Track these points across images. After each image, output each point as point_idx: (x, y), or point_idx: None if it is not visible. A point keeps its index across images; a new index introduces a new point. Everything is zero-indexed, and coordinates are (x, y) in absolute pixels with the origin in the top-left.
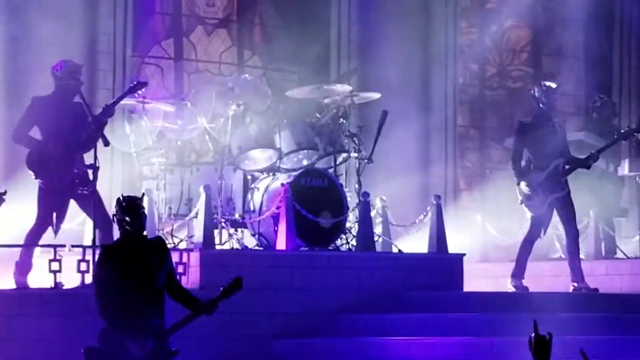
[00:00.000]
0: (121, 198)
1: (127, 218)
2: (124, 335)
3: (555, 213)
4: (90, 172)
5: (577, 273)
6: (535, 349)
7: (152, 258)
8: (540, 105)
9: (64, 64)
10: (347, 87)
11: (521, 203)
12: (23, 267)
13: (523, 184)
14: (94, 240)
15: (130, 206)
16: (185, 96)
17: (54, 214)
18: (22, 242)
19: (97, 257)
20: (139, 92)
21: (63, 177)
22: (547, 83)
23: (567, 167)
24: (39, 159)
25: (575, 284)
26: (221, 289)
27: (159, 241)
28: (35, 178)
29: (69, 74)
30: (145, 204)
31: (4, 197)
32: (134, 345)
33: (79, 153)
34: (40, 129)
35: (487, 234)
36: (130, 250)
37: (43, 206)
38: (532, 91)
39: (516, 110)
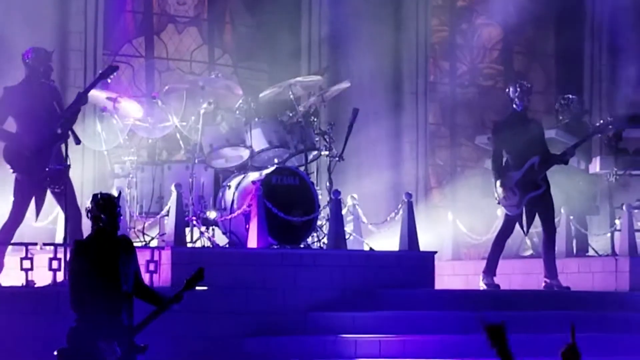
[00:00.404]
0: (99, 195)
1: (102, 215)
2: (95, 334)
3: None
4: (62, 169)
5: (550, 270)
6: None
7: (122, 256)
8: (514, 105)
9: (34, 51)
10: (316, 77)
11: (498, 203)
12: None
13: (499, 183)
14: (65, 238)
15: (108, 204)
16: (156, 94)
17: (27, 208)
18: None
19: (70, 251)
20: (110, 77)
21: (40, 170)
22: (523, 83)
23: (543, 165)
24: (16, 152)
25: (547, 281)
26: (185, 280)
27: (127, 240)
28: (13, 172)
29: (40, 61)
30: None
31: None
32: (106, 347)
33: (55, 145)
34: (15, 118)
35: (458, 232)
36: (103, 246)
37: (19, 200)
38: (507, 90)
39: (487, 108)
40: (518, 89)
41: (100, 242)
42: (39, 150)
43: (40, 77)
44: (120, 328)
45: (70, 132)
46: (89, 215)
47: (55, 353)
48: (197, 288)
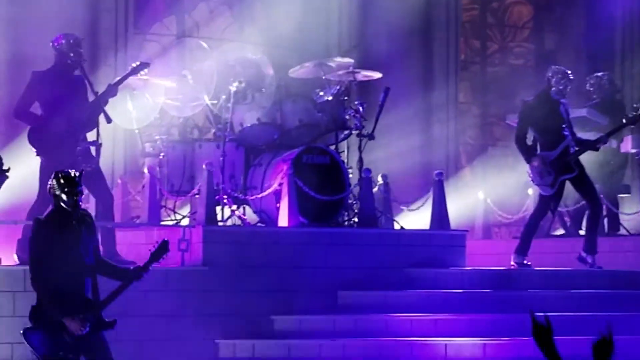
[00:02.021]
0: (59, 174)
1: (63, 195)
2: (60, 311)
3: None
4: (92, 148)
5: (591, 246)
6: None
7: (84, 231)
8: (552, 90)
9: (64, 38)
10: (348, 60)
11: (533, 182)
12: (25, 246)
13: (535, 163)
14: (95, 217)
15: (69, 182)
16: (187, 73)
17: None
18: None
19: (31, 229)
20: (142, 72)
21: (65, 155)
22: (568, 73)
23: (576, 149)
24: (41, 135)
25: (583, 254)
26: (150, 252)
27: (89, 215)
28: (37, 155)
29: (70, 48)
30: (146, 180)
31: (7, 174)
32: (72, 323)
33: (82, 131)
34: (41, 104)
35: (489, 211)
36: (63, 223)
37: (45, 184)
38: (549, 75)
39: (518, 87)
40: (562, 79)
41: (60, 220)
42: (65, 133)
43: (69, 64)
44: (85, 303)
45: (102, 113)
46: (50, 192)
47: (22, 332)
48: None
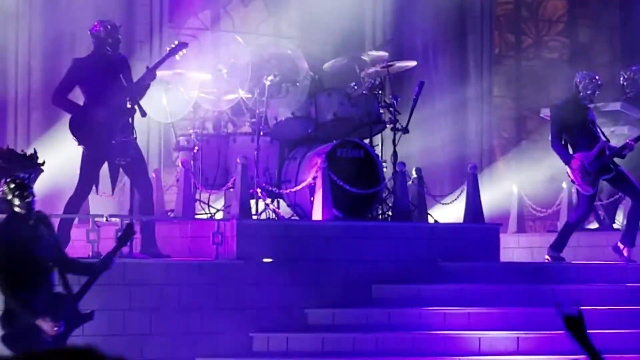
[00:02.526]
0: (10, 180)
1: (15, 199)
2: (33, 314)
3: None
4: (129, 142)
5: (629, 238)
6: (568, 328)
7: (42, 231)
8: (580, 95)
9: (101, 24)
10: (382, 54)
11: (573, 182)
12: (61, 238)
13: (574, 164)
14: (131, 210)
15: (19, 187)
16: (221, 67)
17: (94, 181)
18: (59, 212)
19: None
20: (180, 53)
21: (107, 142)
22: (596, 78)
23: (609, 150)
24: (82, 125)
25: (621, 246)
26: (116, 239)
27: (44, 215)
28: (79, 144)
29: (108, 34)
30: (180, 173)
31: (42, 167)
32: (44, 324)
33: (123, 118)
34: (83, 90)
35: (523, 204)
36: (21, 227)
37: (85, 174)
38: (577, 80)
39: (552, 81)
40: (590, 84)
41: (17, 224)
42: (105, 123)
43: (107, 50)
44: (55, 299)
45: (136, 105)
46: (3, 199)
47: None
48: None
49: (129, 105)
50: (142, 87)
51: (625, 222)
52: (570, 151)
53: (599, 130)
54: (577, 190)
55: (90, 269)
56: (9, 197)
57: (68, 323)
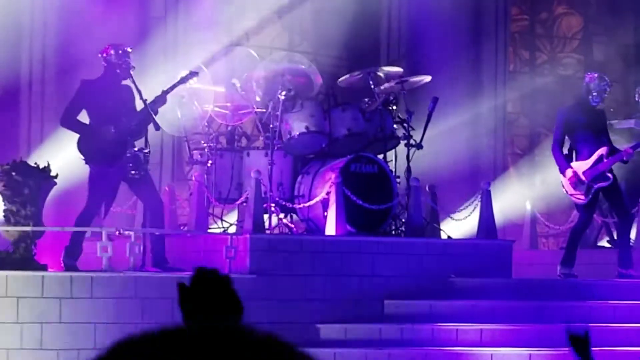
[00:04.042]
0: None
1: None
2: None
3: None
4: (141, 155)
5: (624, 259)
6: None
7: None
8: (590, 97)
9: (113, 48)
10: (397, 69)
11: (566, 192)
12: (73, 251)
13: (568, 174)
14: (144, 223)
15: None
16: (236, 81)
17: (103, 199)
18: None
19: None
20: (191, 81)
21: (114, 163)
22: (606, 80)
23: (610, 156)
24: (90, 144)
25: (622, 271)
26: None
27: None
28: (86, 163)
29: (118, 58)
30: (193, 187)
31: (55, 180)
32: None
33: (131, 140)
34: (90, 113)
35: (536, 221)
36: None
37: (94, 192)
38: (587, 81)
39: (567, 98)
40: (601, 83)
41: None
42: (113, 145)
43: (117, 74)
44: None
45: (151, 121)
46: None
47: None
48: None
49: (136, 130)
50: (151, 112)
51: (618, 244)
52: (574, 156)
53: (606, 136)
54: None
55: None
56: None
57: None
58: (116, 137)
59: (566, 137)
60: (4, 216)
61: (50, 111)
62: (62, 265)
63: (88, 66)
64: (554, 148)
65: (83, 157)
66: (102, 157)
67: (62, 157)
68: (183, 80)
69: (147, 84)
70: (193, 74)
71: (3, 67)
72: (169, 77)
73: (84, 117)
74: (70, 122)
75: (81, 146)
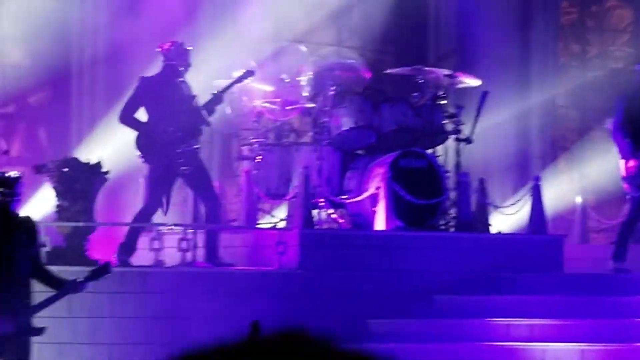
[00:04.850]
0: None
1: None
2: None
3: None
4: (193, 151)
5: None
6: None
7: (21, 238)
8: None
9: (172, 44)
10: (445, 71)
11: (623, 179)
12: (128, 247)
13: (630, 162)
14: (194, 218)
15: (6, 183)
16: (284, 77)
17: (161, 197)
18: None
19: None
20: (247, 80)
21: (172, 161)
22: None
23: None
24: (148, 142)
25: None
26: (91, 270)
27: (30, 221)
28: (144, 161)
29: (177, 54)
30: (243, 183)
31: (106, 176)
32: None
33: (189, 138)
34: (148, 110)
35: (587, 215)
36: (12, 224)
37: (153, 189)
38: (637, 69)
39: (617, 91)
40: None
41: None
42: (170, 142)
43: (175, 70)
44: (14, 305)
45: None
46: None
47: None
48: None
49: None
50: (208, 111)
51: None
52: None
53: None
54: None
55: (58, 284)
56: None
57: (19, 330)
58: (174, 135)
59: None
60: (56, 212)
61: (100, 98)
62: (116, 260)
63: (137, 52)
64: (615, 133)
65: (141, 155)
66: (160, 155)
67: (112, 146)
68: (239, 80)
69: (196, 78)
70: (249, 73)
71: (54, 56)
72: (217, 71)
73: (142, 114)
74: (128, 120)
75: (139, 144)
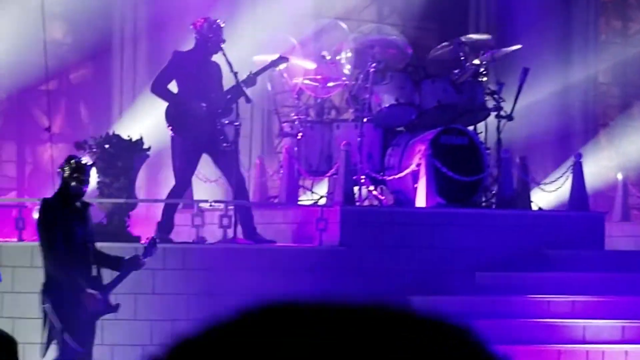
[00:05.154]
0: (73, 159)
1: (72, 181)
2: (80, 287)
3: None
4: (232, 128)
5: None
6: None
7: (87, 220)
8: None
9: (206, 21)
10: (486, 37)
11: None
12: (166, 225)
13: None
14: (235, 195)
15: (80, 170)
16: (325, 54)
17: (193, 171)
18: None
19: (39, 209)
20: (281, 66)
21: (200, 135)
22: None
23: None
24: (177, 114)
25: None
26: (144, 246)
27: (87, 204)
28: (173, 134)
29: (210, 30)
30: (284, 160)
31: (147, 152)
32: (89, 298)
33: (219, 115)
34: (179, 84)
35: (628, 193)
36: (69, 208)
37: (180, 165)
38: None
39: None
40: None
41: (65, 203)
42: (202, 117)
43: (209, 46)
44: (94, 284)
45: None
46: (61, 174)
47: (43, 307)
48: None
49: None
50: (239, 92)
51: None
52: None
53: None
54: None
55: (116, 263)
56: (66, 174)
57: (100, 309)
58: (206, 113)
59: None
60: (98, 188)
61: (141, 74)
62: (156, 238)
63: (178, 26)
64: None
65: (169, 126)
66: (189, 130)
67: (152, 122)
68: (272, 65)
69: (236, 53)
70: (283, 59)
71: (95, 33)
72: (256, 47)
73: (173, 86)
74: (160, 90)
75: (169, 116)
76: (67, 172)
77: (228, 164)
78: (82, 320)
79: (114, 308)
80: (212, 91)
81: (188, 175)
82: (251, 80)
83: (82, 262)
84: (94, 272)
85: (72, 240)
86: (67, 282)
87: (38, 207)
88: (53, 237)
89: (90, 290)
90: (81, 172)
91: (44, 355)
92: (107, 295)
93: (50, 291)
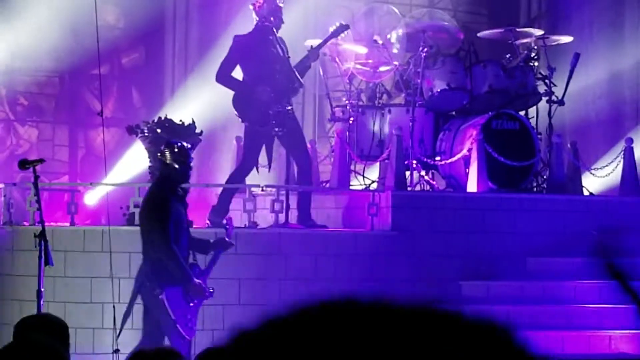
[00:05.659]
0: (175, 144)
1: (175, 164)
2: (190, 276)
3: None
4: (285, 112)
5: None
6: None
7: (186, 207)
8: None
9: (265, 2)
10: (538, 32)
11: None
12: (220, 209)
13: None
14: (287, 180)
15: (182, 153)
16: (377, 39)
17: (258, 156)
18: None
19: (147, 199)
20: (343, 34)
21: (268, 121)
22: None
23: None
24: (246, 102)
25: None
26: (225, 228)
27: (186, 190)
28: (242, 121)
29: (270, 11)
30: (335, 144)
31: (200, 137)
32: (195, 288)
33: (285, 96)
34: (244, 69)
35: None
36: (175, 192)
37: (250, 150)
38: None
39: None
40: None
41: (173, 187)
42: (269, 101)
43: (268, 27)
44: (194, 270)
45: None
46: (162, 160)
47: (155, 294)
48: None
49: (295, 85)
50: (304, 67)
51: None
52: None
53: None
54: None
55: (205, 247)
56: (168, 160)
57: (205, 295)
58: (272, 97)
59: None
60: (149, 172)
61: (193, 57)
62: (208, 222)
63: (230, 8)
64: None
65: (238, 115)
66: (258, 116)
67: (204, 106)
68: (334, 34)
69: (288, 38)
70: (343, 27)
71: (146, 17)
72: (310, 31)
73: (238, 73)
74: (225, 79)
75: (236, 104)
76: (170, 158)
77: (295, 144)
78: (191, 310)
79: (211, 294)
80: (278, 74)
81: (250, 161)
82: (314, 54)
83: (186, 250)
84: (191, 258)
85: (180, 227)
86: (178, 272)
87: (145, 196)
88: (166, 227)
89: (197, 280)
90: (185, 155)
91: (117, 337)
92: (206, 281)
93: (163, 282)
